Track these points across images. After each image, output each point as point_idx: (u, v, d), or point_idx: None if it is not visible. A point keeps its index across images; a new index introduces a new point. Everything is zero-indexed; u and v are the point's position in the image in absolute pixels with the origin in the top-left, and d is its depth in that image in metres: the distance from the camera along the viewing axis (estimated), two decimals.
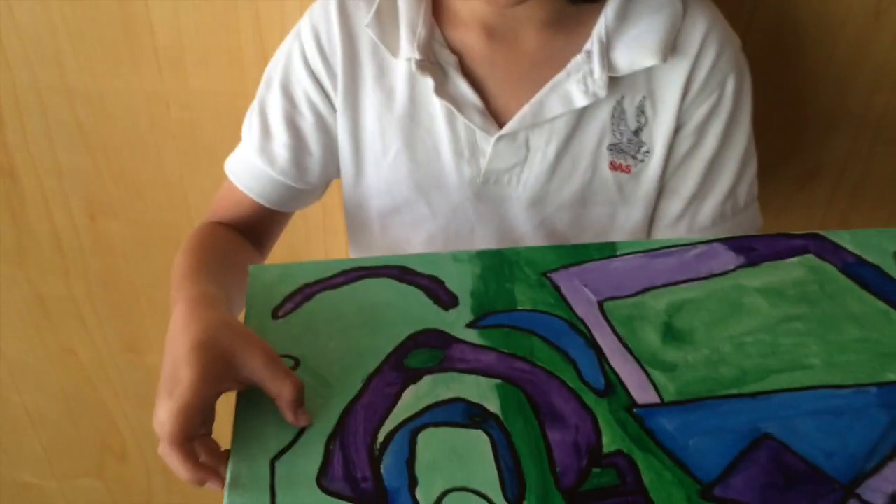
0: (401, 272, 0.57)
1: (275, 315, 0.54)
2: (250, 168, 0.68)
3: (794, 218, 0.94)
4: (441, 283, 0.56)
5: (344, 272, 0.57)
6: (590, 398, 0.48)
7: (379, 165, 0.67)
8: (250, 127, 0.68)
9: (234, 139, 0.77)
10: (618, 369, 0.50)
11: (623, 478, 0.44)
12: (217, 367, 0.46)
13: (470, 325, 0.53)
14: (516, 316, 0.54)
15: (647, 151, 0.66)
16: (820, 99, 0.86)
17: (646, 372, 0.50)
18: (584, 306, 0.55)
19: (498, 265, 0.58)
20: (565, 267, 0.58)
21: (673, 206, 0.68)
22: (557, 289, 0.56)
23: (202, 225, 0.69)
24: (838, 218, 0.94)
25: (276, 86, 0.67)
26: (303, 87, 0.66)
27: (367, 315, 0.54)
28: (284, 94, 0.67)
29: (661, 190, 0.68)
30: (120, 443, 1.23)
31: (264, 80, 0.68)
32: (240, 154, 0.70)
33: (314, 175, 0.69)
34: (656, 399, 0.49)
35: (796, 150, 0.90)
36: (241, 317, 0.55)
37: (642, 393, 0.49)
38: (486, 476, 0.44)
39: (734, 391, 0.49)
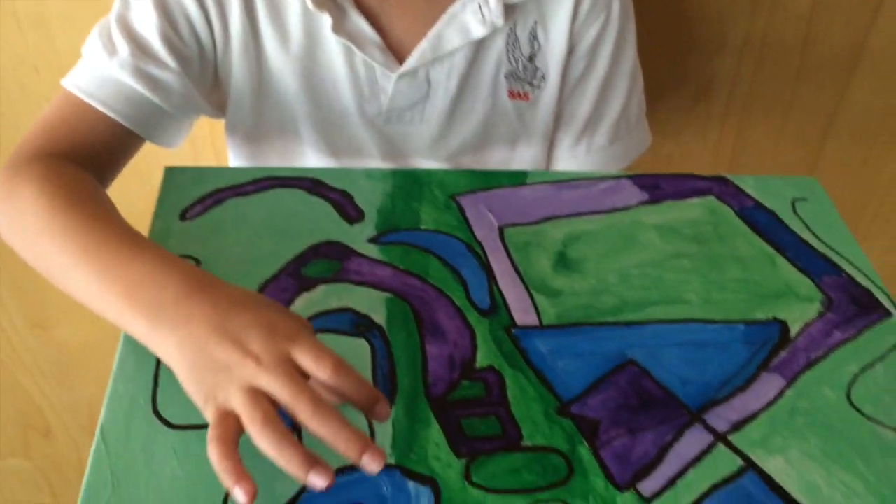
0: (313, 184, 0.59)
1: (182, 216, 0.55)
2: (122, 90, 0.58)
3: (692, 132, 0.98)
4: (350, 197, 0.58)
5: (257, 180, 0.59)
6: (473, 316, 0.51)
7: (279, 107, 0.65)
8: (109, 44, 0.59)
9: None
10: (505, 292, 0.53)
11: (489, 391, 0.47)
12: None
13: (372, 241, 0.55)
14: (417, 235, 0.56)
15: (543, 77, 0.67)
16: (706, 22, 0.89)
17: (531, 296, 0.53)
18: (484, 230, 0.57)
19: (408, 184, 0.60)
20: (474, 191, 0.60)
21: (571, 130, 0.71)
22: (462, 211, 0.58)
23: (56, 169, 0.53)
24: (734, 130, 0.98)
25: (147, 2, 0.59)
26: (185, 12, 0.60)
27: (274, 224, 0.56)
28: (162, 14, 0.59)
29: (559, 115, 0.70)
30: (43, 421, 1.21)
31: None
32: (98, 72, 0.58)
33: (193, 105, 0.62)
34: (535, 322, 0.51)
35: (688, 69, 0.93)
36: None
37: (524, 315, 0.52)
38: None
39: (610, 319, 0.52)
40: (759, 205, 0.63)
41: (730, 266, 0.57)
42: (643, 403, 0.47)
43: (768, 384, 0.49)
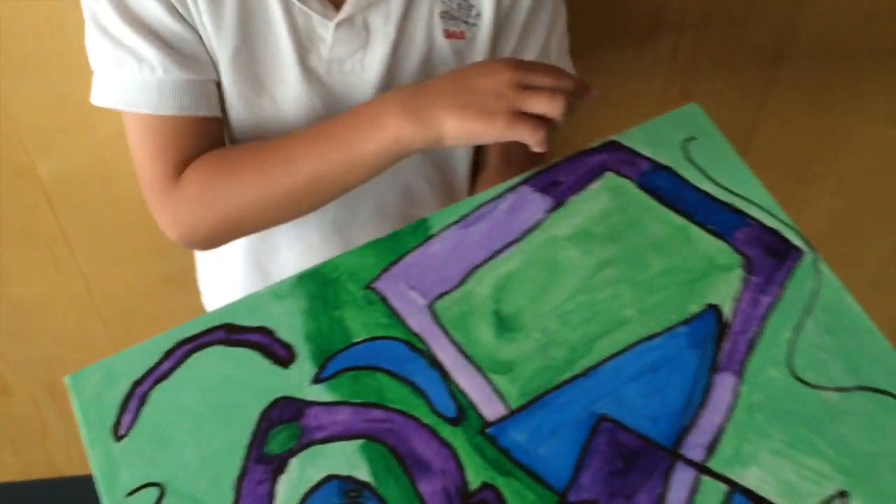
0: (226, 333, 0.55)
1: (117, 435, 0.52)
2: (175, 88, 0.62)
3: (640, 78, 0.97)
4: (271, 333, 0.55)
5: (168, 353, 0.55)
6: (445, 430, 0.52)
7: (225, 66, 0.64)
8: (104, 50, 0.62)
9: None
10: (463, 386, 0.53)
11: None
12: None
13: (315, 380, 0.54)
14: (355, 353, 0.55)
15: (478, 14, 0.67)
16: None
17: (488, 381, 0.54)
18: (416, 316, 0.56)
19: (321, 290, 0.57)
20: (386, 269, 0.58)
21: None
22: (385, 301, 0.57)
23: (196, 165, 0.63)
24: (681, 75, 0.97)
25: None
26: None
27: (211, 402, 0.53)
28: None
29: (489, 53, 0.70)
30: (0, 379, 1.20)
31: None
32: (129, 83, 0.62)
33: (206, 60, 0.64)
34: (503, 410, 0.53)
35: (632, 13, 0.91)
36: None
37: (490, 407, 0.53)
38: None
39: (568, 375, 0.54)
40: (654, 165, 0.63)
41: (650, 258, 0.58)
42: (627, 462, 0.51)
43: (723, 388, 0.53)
